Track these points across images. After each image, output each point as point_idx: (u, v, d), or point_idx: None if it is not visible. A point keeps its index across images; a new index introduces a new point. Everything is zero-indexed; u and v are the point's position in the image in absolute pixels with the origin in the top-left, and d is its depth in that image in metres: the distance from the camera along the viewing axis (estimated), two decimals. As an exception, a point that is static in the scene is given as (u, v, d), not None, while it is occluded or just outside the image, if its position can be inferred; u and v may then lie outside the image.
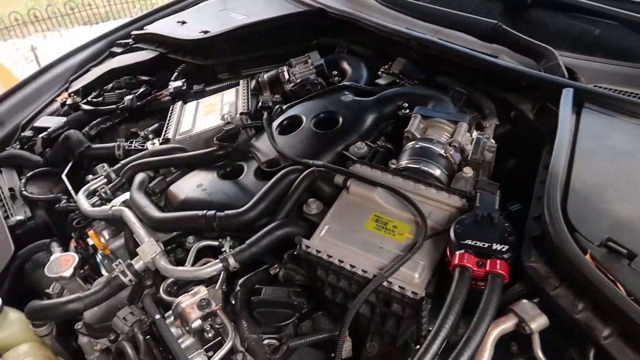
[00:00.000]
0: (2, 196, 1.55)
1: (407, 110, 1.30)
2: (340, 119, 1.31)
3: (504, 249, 0.85)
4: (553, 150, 0.98)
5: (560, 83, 1.16)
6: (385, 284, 0.90)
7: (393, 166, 1.15)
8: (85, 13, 8.31)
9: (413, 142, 1.19)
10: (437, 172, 1.11)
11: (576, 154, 0.98)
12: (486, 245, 0.86)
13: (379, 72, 1.53)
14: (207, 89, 1.78)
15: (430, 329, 0.81)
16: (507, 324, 0.82)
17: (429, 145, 1.15)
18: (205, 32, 1.91)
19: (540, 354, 0.80)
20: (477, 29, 1.45)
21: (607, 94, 1.12)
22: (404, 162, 1.15)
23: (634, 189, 0.89)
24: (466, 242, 0.87)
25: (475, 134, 1.22)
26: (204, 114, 1.57)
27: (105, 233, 1.33)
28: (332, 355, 0.90)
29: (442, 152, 1.14)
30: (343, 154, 1.21)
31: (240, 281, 1.07)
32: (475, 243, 0.87)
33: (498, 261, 0.83)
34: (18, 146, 1.79)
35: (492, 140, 1.23)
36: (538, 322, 0.80)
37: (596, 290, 0.74)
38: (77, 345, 1.17)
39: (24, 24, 7.84)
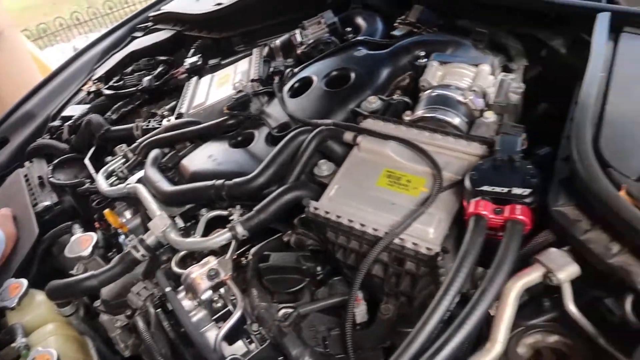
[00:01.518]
0: (32, 185, 1.58)
1: (425, 60, 1.19)
2: (353, 75, 1.23)
3: (525, 193, 0.75)
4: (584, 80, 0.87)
5: (595, 8, 1.03)
6: (397, 241, 0.82)
7: (408, 118, 1.06)
8: (123, 11, 8.51)
9: (429, 91, 1.09)
10: (455, 120, 1.01)
11: (612, 83, 0.86)
12: (505, 190, 0.77)
13: (395, 24, 1.42)
14: (223, 62, 1.74)
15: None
16: (532, 276, 0.72)
17: (446, 92, 1.05)
18: (219, 4, 1.86)
19: (571, 306, 0.71)
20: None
21: (649, 15, 0.98)
22: (419, 112, 1.05)
23: (680, 116, 0.77)
24: (483, 188, 0.78)
25: (500, 76, 1.11)
26: (218, 86, 1.53)
27: (127, 213, 1.32)
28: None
29: (460, 98, 1.04)
30: (355, 110, 1.13)
31: (253, 250, 1.03)
32: (494, 189, 0.78)
33: (518, 206, 0.74)
34: (48, 136, 1.84)
35: (519, 82, 1.11)
36: (567, 271, 0.70)
37: (632, 230, 0.64)
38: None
39: (68, 28, 8.14)
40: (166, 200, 1.15)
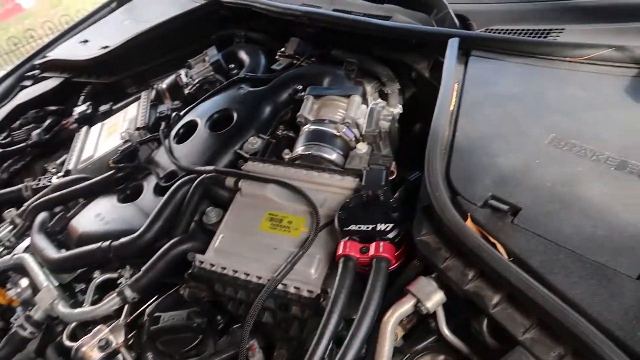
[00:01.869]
0: None
1: (303, 93, 1.22)
2: (235, 115, 1.24)
3: (387, 229, 0.79)
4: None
5: (447, 34, 1.09)
6: (280, 287, 0.84)
7: (287, 157, 1.08)
8: (29, 46, 8.05)
9: (306, 126, 1.11)
10: (332, 155, 1.04)
11: (461, 108, 0.92)
12: (370, 227, 0.80)
13: (277, 56, 1.45)
14: (115, 107, 1.69)
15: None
16: (404, 307, 0.75)
17: (320, 127, 1.08)
18: (106, 47, 1.81)
19: (445, 330, 0.75)
20: (366, -9, 1.37)
21: (493, 37, 1.06)
22: (298, 149, 1.08)
23: (519, 136, 0.83)
24: (350, 228, 0.81)
25: (377, 103, 1.15)
26: (107, 135, 1.49)
27: (23, 281, 1.25)
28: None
29: (335, 131, 1.07)
30: (237, 152, 1.14)
31: (148, 309, 1.00)
32: (359, 227, 0.81)
33: (382, 243, 0.77)
34: None
35: (390, 108, 1.16)
36: (434, 300, 0.74)
37: (478, 258, 0.68)
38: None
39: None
40: (54, 268, 1.10)
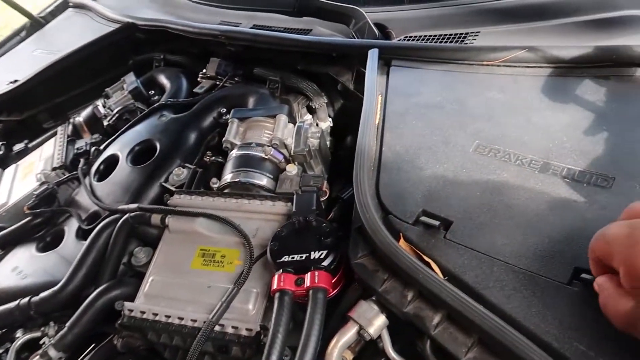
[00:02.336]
0: None
1: (227, 116, 1.17)
2: (158, 146, 1.17)
3: (321, 256, 0.76)
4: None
5: (366, 45, 1.08)
6: (217, 328, 0.79)
7: (215, 186, 1.03)
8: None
9: (234, 152, 1.07)
10: (262, 180, 1.00)
11: (386, 121, 0.90)
12: (304, 257, 0.77)
13: (198, 79, 1.39)
14: (30, 145, 1.58)
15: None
16: (347, 335, 0.72)
17: (247, 152, 1.04)
18: (15, 81, 1.69)
19: (391, 352, 0.72)
20: (282, 4, 1.34)
21: (411, 46, 1.05)
22: (226, 177, 1.03)
23: (444, 146, 0.82)
24: (283, 259, 0.77)
25: (308, 120, 1.12)
26: (23, 177, 1.38)
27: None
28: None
29: (263, 155, 1.03)
30: (163, 186, 1.08)
31: (79, 366, 0.93)
32: (293, 257, 0.77)
33: (316, 273, 0.74)
34: None
35: (321, 123, 1.14)
36: (375, 325, 0.71)
37: (413, 279, 0.66)
38: None
39: None
40: (-31, 333, 1.00)
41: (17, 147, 1.58)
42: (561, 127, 0.79)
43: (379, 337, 0.73)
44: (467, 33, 1.09)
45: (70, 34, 1.92)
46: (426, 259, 0.67)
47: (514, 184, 0.73)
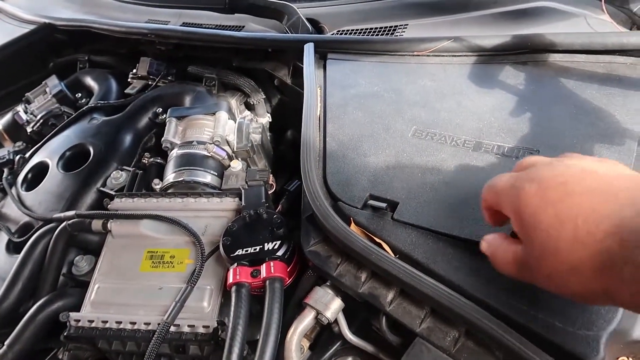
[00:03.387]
0: None
1: (164, 116, 1.15)
2: (92, 150, 1.13)
3: (275, 246, 0.77)
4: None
5: (301, 39, 1.09)
6: (173, 328, 0.78)
7: (157, 187, 1.01)
8: None
9: (174, 151, 1.05)
10: (206, 177, 1.00)
11: (327, 113, 0.93)
12: (257, 249, 0.78)
13: (129, 79, 1.35)
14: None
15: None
16: (305, 322, 0.74)
17: (189, 151, 1.03)
18: None
19: (348, 334, 0.75)
20: (213, 2, 1.33)
21: (346, 39, 1.09)
22: (169, 177, 1.01)
23: (385, 133, 0.86)
24: (237, 253, 0.78)
25: (247, 116, 1.12)
26: (-62, 193, 1.27)
27: None
28: None
29: (205, 152, 1.02)
30: (100, 190, 1.04)
31: (23, 386, 0.87)
32: (247, 250, 0.78)
33: (272, 263, 0.75)
34: None
35: (258, 119, 1.15)
36: (332, 308, 0.74)
37: (366, 260, 0.69)
38: None
39: None
40: None
41: None
42: (488, 110, 0.85)
43: (335, 321, 0.76)
44: (396, 26, 1.14)
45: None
46: (377, 240, 0.71)
47: (451, 163, 0.78)
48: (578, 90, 0.84)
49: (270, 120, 1.25)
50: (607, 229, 0.43)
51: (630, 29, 1.00)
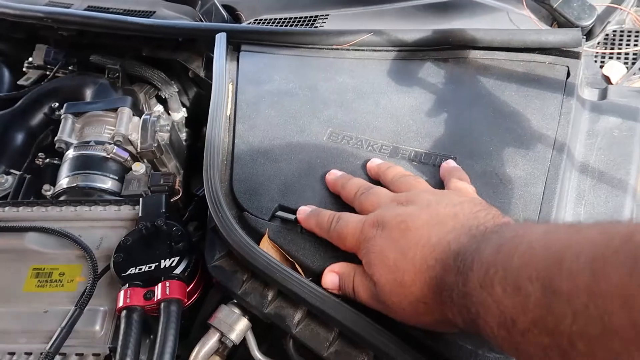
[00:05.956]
0: None
1: (61, 111, 1.03)
2: (-26, 150, 1.00)
3: (173, 263, 0.70)
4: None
5: (213, 28, 1.01)
6: (58, 358, 0.69)
7: (48, 193, 0.90)
8: None
9: (70, 152, 0.94)
10: (106, 183, 0.90)
11: (238, 111, 0.86)
12: (153, 266, 0.70)
13: (24, 69, 1.21)
14: None
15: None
16: (208, 344, 0.67)
17: (85, 152, 0.92)
18: None
19: (258, 354, 0.69)
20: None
21: (261, 30, 1.01)
22: (62, 182, 0.90)
23: (299, 135, 0.80)
24: (129, 272, 0.70)
25: (159, 111, 1.03)
26: None
27: None
28: None
29: (104, 154, 0.92)
30: (-17, 197, 0.92)
31: None
32: (140, 269, 0.70)
33: (167, 282, 0.68)
34: None
35: (171, 114, 1.05)
36: (237, 329, 0.67)
37: (271, 280, 0.63)
38: None
39: None
40: None
41: None
42: (407, 111, 0.81)
43: (244, 339, 0.70)
44: (317, 16, 1.07)
45: None
46: (290, 259, 0.65)
47: (367, 171, 0.73)
48: (497, 91, 0.81)
49: (186, 115, 1.16)
50: (436, 256, 0.46)
51: (551, 26, 0.98)
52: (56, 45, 1.19)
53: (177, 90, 1.13)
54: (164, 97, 1.12)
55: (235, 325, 0.67)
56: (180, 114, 1.13)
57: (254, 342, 0.70)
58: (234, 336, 0.67)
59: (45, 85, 1.11)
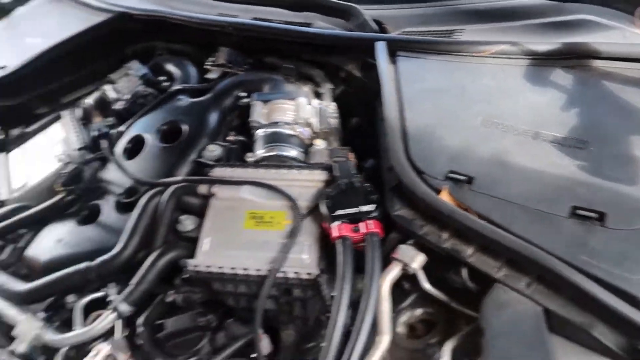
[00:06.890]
0: None
1: (247, 99, 1.31)
2: (184, 127, 1.29)
3: (372, 209, 0.94)
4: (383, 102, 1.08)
5: (371, 38, 1.26)
6: (280, 274, 0.94)
7: (251, 159, 1.17)
8: None
9: (261, 130, 1.22)
10: (293, 153, 1.16)
11: (403, 102, 1.09)
12: (356, 210, 0.94)
13: (205, 66, 1.51)
14: (28, 129, 1.61)
15: (334, 294, 0.88)
16: (394, 272, 0.91)
17: (277, 130, 1.19)
18: (3, 67, 1.69)
19: (427, 285, 0.91)
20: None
21: (413, 39, 1.25)
22: (260, 152, 1.18)
23: (456, 121, 1.03)
24: (338, 213, 0.95)
25: (316, 103, 1.29)
26: (34, 160, 1.43)
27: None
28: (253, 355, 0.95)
29: (290, 132, 1.19)
30: (198, 161, 1.20)
31: (141, 320, 1.04)
32: (347, 211, 0.95)
33: (370, 221, 0.92)
34: None
35: (332, 105, 1.31)
36: (417, 261, 0.90)
37: (452, 220, 0.86)
38: None
39: None
40: (25, 299, 1.07)
41: (14, 132, 1.60)
42: (543, 105, 1.02)
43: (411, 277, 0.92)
44: (453, 30, 1.30)
45: (45, 20, 1.93)
46: (464, 206, 0.87)
47: (515, 148, 0.94)
48: (619, 92, 1.01)
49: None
50: None
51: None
52: (234, 48, 1.49)
53: (331, 87, 1.39)
54: (320, 92, 1.38)
55: (416, 258, 0.90)
56: (332, 105, 1.39)
57: (424, 276, 0.93)
58: (416, 265, 0.90)
59: (233, 79, 1.40)
